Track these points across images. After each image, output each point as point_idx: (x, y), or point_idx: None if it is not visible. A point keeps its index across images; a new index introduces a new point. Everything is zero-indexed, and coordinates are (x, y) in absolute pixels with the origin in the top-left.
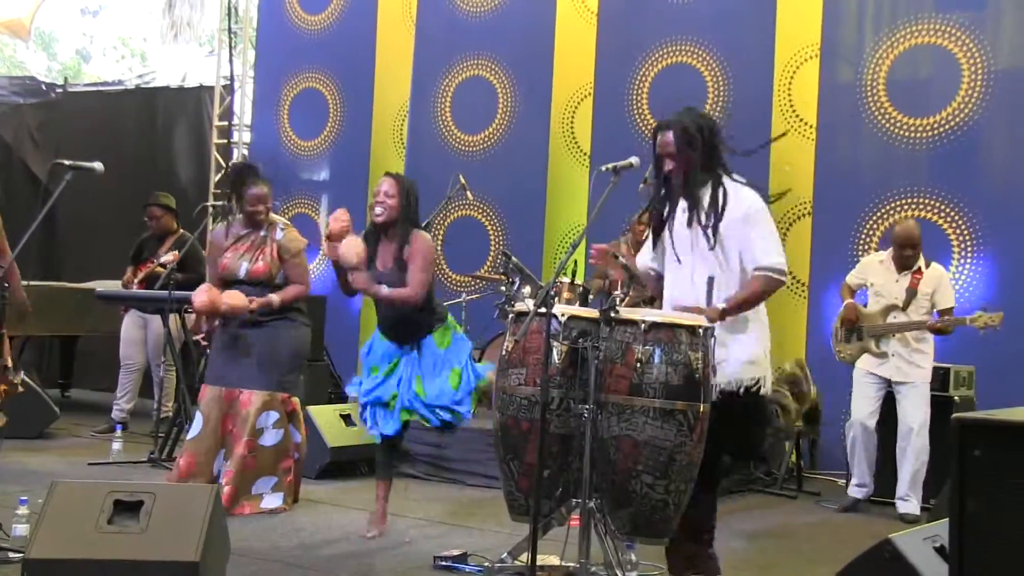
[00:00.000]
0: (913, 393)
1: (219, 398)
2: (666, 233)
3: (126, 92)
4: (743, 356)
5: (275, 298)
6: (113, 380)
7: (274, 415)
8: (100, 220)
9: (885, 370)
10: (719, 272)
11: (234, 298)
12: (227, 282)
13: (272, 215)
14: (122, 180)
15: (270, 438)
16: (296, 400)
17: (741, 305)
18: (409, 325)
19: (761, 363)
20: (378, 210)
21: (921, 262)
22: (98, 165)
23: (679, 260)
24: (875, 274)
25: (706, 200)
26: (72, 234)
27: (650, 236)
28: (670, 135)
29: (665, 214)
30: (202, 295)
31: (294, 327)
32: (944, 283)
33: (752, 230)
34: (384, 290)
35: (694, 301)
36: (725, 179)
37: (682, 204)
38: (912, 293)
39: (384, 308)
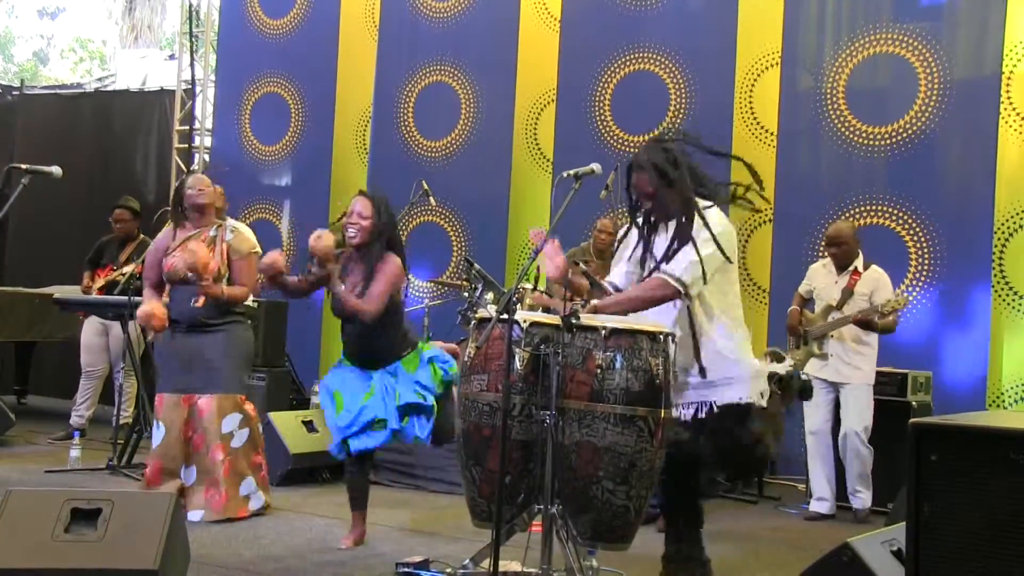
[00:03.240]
0: (852, 396)
1: (178, 405)
2: (647, 260)
3: (84, 95)
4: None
5: (225, 290)
6: (71, 386)
7: (237, 416)
8: (54, 225)
9: (827, 372)
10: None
11: (199, 253)
12: (171, 281)
13: (229, 219)
14: (79, 185)
15: (238, 440)
16: (250, 402)
17: (617, 304)
18: (377, 350)
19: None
20: (351, 232)
21: (859, 263)
22: (56, 169)
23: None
24: (817, 278)
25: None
26: (24, 239)
27: (626, 251)
28: (641, 177)
29: (644, 243)
30: (147, 318)
31: (243, 329)
32: (882, 284)
33: (680, 254)
34: (341, 287)
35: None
36: (700, 206)
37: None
38: (848, 293)
39: (351, 336)
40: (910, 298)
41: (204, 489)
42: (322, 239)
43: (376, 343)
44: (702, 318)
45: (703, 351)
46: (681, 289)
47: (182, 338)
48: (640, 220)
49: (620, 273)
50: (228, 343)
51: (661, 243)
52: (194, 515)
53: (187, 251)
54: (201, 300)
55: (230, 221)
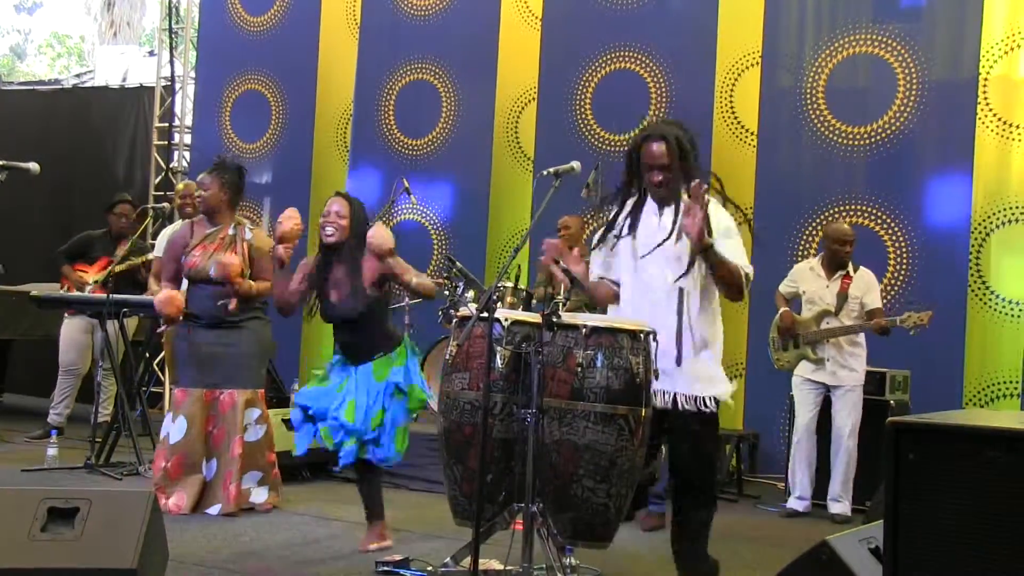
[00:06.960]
0: (846, 398)
1: (200, 400)
2: (629, 240)
3: (62, 91)
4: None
5: (253, 285)
6: (48, 384)
7: (257, 411)
8: (30, 222)
9: (821, 375)
10: (687, 279)
11: (230, 265)
12: (193, 280)
13: (237, 216)
14: (56, 182)
15: (254, 434)
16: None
17: (723, 265)
18: (364, 347)
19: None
20: (329, 230)
21: (849, 266)
22: (33, 166)
23: (645, 269)
24: (806, 281)
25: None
26: None
27: (598, 245)
28: (664, 147)
29: (628, 222)
30: (167, 302)
31: (263, 325)
32: (872, 285)
33: (732, 241)
34: (413, 278)
35: (664, 307)
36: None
37: (654, 213)
38: (843, 298)
39: (343, 331)
40: (927, 317)
41: (223, 483)
42: (291, 218)
43: (362, 342)
44: (694, 307)
45: (685, 340)
46: (745, 284)
47: (204, 334)
48: (631, 194)
49: (598, 263)
50: (252, 339)
51: (656, 221)
52: (212, 509)
53: (219, 264)
54: (234, 303)
55: (244, 221)
